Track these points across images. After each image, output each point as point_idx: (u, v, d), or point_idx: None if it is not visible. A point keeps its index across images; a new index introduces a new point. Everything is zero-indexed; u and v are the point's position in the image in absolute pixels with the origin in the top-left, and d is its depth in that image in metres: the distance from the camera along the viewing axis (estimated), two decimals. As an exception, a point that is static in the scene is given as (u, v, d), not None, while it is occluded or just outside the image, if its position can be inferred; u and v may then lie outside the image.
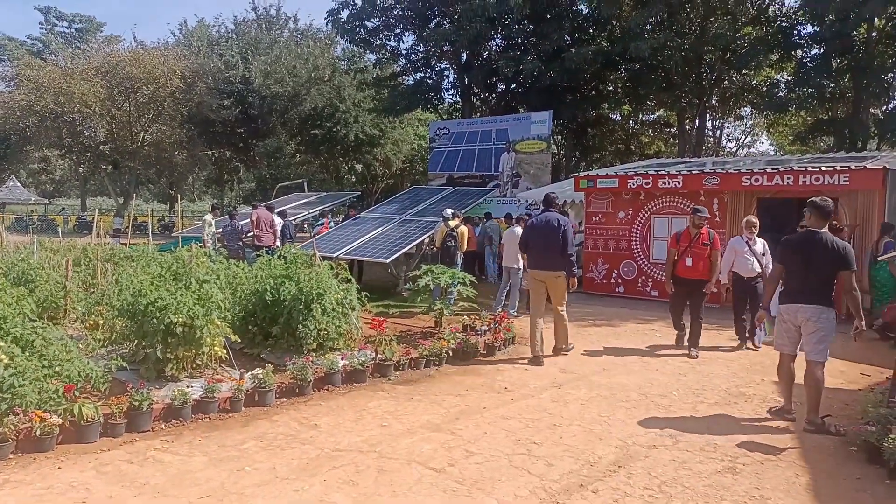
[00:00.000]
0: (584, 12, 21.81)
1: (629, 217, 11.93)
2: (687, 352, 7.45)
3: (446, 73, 25.47)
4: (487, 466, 4.15)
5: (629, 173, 12.07)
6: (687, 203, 11.09)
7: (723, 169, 11.21)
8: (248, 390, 5.33)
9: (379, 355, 6.39)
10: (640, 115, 27.94)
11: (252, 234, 12.88)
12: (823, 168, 9.67)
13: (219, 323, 5.74)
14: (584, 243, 12.49)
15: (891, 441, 4.05)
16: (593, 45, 19.66)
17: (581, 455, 4.38)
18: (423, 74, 25.34)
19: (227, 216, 15.29)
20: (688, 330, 7.62)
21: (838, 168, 9.51)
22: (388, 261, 10.91)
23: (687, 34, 20.54)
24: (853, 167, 9.46)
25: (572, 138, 26.17)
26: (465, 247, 10.64)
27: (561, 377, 6.39)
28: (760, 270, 7.47)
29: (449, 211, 11.15)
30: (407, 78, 26.23)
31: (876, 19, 17.90)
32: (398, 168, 35.63)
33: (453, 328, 7.62)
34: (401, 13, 23.28)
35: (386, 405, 5.45)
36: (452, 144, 21.32)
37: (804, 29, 19.85)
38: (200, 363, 5.81)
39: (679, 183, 11.15)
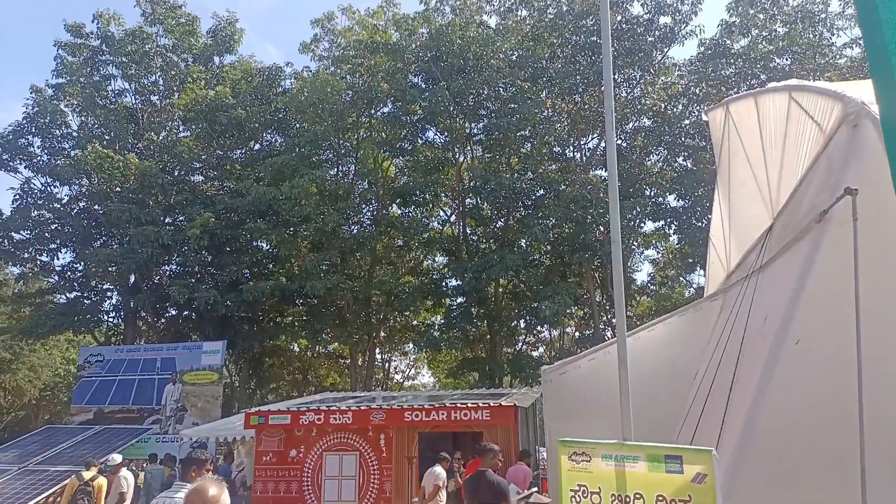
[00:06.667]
0: (264, 248, 22.82)
1: (300, 455, 11.53)
2: None
3: (109, 294, 23.34)
4: None
5: (302, 409, 11.96)
6: (358, 439, 11.31)
7: (388, 405, 11.88)
8: None
9: None
10: (317, 347, 28.92)
11: None
12: (469, 405, 10.98)
13: None
14: (254, 487, 11.54)
15: None
16: (272, 280, 20.35)
17: None
18: (79, 294, 22.72)
19: None
20: None
21: (480, 405, 10.90)
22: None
23: (357, 277, 22.89)
24: (491, 404, 10.93)
25: (248, 367, 25.47)
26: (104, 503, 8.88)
27: None
28: None
29: (118, 457, 9.71)
30: (59, 296, 23.16)
31: (501, 280, 22.45)
32: (33, 398, 29.66)
33: None
34: (59, 228, 21.20)
35: None
36: (107, 373, 18.80)
37: (450, 282, 23.84)
38: None
39: (349, 419, 11.38)
